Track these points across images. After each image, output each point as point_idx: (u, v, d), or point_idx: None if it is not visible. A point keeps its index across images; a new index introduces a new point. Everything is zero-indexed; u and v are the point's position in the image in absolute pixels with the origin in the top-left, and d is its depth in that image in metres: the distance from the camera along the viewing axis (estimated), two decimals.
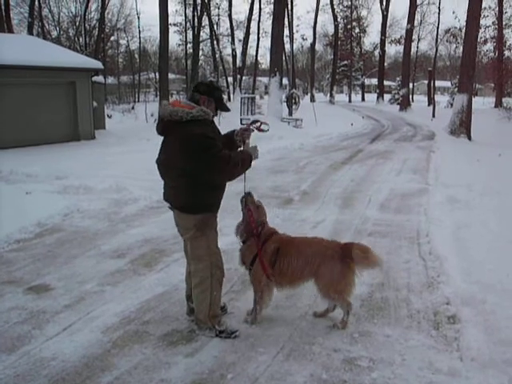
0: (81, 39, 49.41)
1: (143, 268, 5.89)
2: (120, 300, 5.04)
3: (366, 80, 71.54)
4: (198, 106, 4.16)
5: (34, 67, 16.98)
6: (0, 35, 24.02)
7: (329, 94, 59.75)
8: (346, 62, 65.25)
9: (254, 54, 55.63)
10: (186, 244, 4.51)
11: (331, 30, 62.56)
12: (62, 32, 50.26)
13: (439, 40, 51.05)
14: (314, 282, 4.51)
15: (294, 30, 37.59)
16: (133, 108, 34.68)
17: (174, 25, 50.56)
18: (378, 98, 57.28)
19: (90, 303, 4.97)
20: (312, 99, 50.79)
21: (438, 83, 69.85)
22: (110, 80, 54.14)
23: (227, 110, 4.60)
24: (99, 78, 23.62)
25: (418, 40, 58.38)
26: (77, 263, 6.05)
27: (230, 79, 51.99)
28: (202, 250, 4.31)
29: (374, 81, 69.46)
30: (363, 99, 68.38)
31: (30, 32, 38.50)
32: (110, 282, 5.51)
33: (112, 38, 56.55)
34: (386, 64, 62.18)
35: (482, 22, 31.50)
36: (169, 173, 4.28)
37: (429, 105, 45.93)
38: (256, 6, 47.84)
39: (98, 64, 20.98)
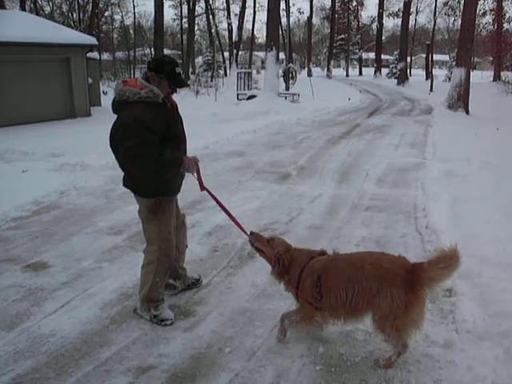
0: (74, 15, 48.87)
1: (140, 244, 5.83)
2: (117, 276, 5.07)
3: (363, 54, 70.94)
4: (150, 85, 3.90)
5: (27, 44, 16.77)
6: None
7: (326, 69, 59.37)
8: (343, 35, 64.61)
9: (251, 28, 55.21)
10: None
11: (328, 3, 61.93)
12: (55, 7, 49.63)
13: (437, 13, 50.56)
14: (371, 314, 3.60)
15: (291, 4, 37.17)
16: None
17: None
18: (375, 72, 56.90)
19: (88, 280, 4.99)
20: (309, 74, 50.40)
21: (436, 57, 69.31)
22: (105, 56, 53.75)
23: (184, 84, 4.09)
24: (94, 55, 23.40)
25: (416, 13, 58.02)
26: (74, 240, 6.06)
27: (227, 54, 51.57)
28: (152, 234, 4.18)
29: (372, 55, 68.95)
30: (361, 73, 67.93)
31: (23, 8, 38.00)
32: (107, 258, 5.52)
33: (106, 14, 55.93)
34: (383, 38, 61.60)
35: None
36: (117, 155, 4.03)
37: (427, 79, 45.70)
38: None
39: (92, 40, 20.75)
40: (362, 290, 3.47)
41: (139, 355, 3.78)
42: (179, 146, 4.10)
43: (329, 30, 62.38)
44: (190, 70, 44.49)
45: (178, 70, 3.96)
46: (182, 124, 4.27)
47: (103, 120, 17.97)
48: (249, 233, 4.10)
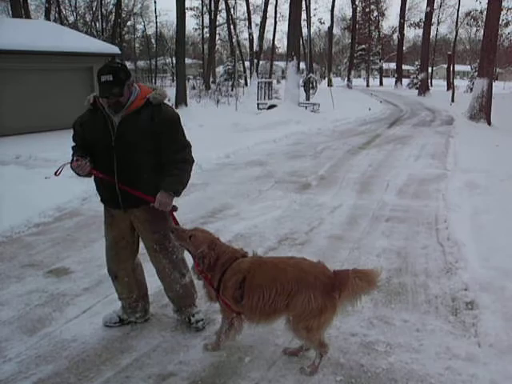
0: (97, 24, 49.55)
1: None
2: None
3: (384, 64, 70.77)
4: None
5: (52, 53, 17.06)
6: (18, 21, 24.12)
7: (346, 79, 59.32)
8: (363, 45, 64.60)
9: (271, 38, 55.49)
10: None
11: (349, 13, 62.10)
12: (78, 17, 50.43)
13: (459, 23, 50.31)
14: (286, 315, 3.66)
15: (312, 14, 37.20)
16: None
17: (191, 9, 50.47)
18: (396, 82, 56.73)
19: (109, 286, 4.95)
20: (329, 84, 50.38)
21: (458, 67, 68.86)
22: (127, 65, 54.19)
23: (101, 95, 3.75)
24: None
25: (438, 23, 57.80)
26: (95, 247, 6.11)
27: (247, 64, 51.77)
28: None
29: (393, 65, 68.68)
30: (381, 84, 67.75)
31: (48, 17, 38.69)
32: None
33: (129, 23, 56.61)
34: (404, 48, 61.49)
35: (504, 3, 30.87)
36: None
37: (448, 89, 45.41)
38: None
39: (114, 49, 21.01)
40: (283, 291, 3.56)
41: (159, 362, 3.80)
42: (95, 153, 3.99)
43: (349, 40, 62.38)
44: (211, 79, 44.74)
45: (104, 79, 3.66)
46: (124, 131, 3.85)
47: None
48: (171, 229, 3.96)
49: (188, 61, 49.45)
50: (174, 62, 38.30)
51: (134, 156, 3.86)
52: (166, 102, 4.02)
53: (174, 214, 4.01)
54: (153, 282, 4.96)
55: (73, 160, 3.95)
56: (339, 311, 3.62)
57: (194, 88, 35.98)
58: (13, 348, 3.98)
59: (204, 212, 7.62)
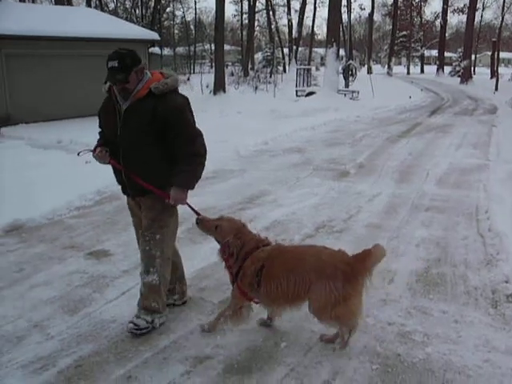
0: (137, 11, 49.89)
1: (199, 237, 5.96)
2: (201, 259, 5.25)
3: (425, 51, 69.40)
4: None
5: (93, 39, 17.28)
6: (60, 8, 24.55)
7: (386, 66, 58.38)
8: (405, 32, 63.37)
9: (311, 24, 54.93)
10: None
11: None
12: (118, 4, 50.87)
13: (506, 8, 48.84)
14: (308, 305, 3.69)
15: (352, 0, 36.73)
16: (188, 79, 34.90)
17: None
18: (437, 70, 55.59)
19: None
20: (369, 71, 49.71)
21: (503, 55, 67.08)
22: (166, 51, 54.62)
23: (106, 79, 3.81)
24: (156, 50, 23.87)
25: (483, 9, 56.30)
26: (133, 231, 6.19)
27: (286, 50, 51.51)
28: None
29: (434, 52, 67.31)
30: (422, 71, 66.52)
31: (89, 4, 39.17)
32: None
33: (168, 9, 56.93)
34: (447, 34, 60.12)
35: None
36: None
37: (492, 77, 44.24)
38: None
39: (154, 35, 21.16)
40: (302, 281, 3.58)
41: (196, 345, 3.84)
42: (109, 140, 3.97)
43: (390, 27, 61.34)
44: (250, 65, 44.67)
45: (110, 64, 3.70)
46: (127, 120, 3.82)
47: None
48: (195, 220, 3.99)
49: (227, 47, 49.45)
50: (213, 48, 38.34)
51: (137, 146, 3.83)
52: (174, 90, 3.85)
53: (191, 204, 4.03)
54: (190, 266, 5.05)
55: (95, 148, 3.98)
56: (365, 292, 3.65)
57: (232, 74, 35.96)
58: (55, 326, 4.08)
59: (241, 198, 7.65)
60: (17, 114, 15.63)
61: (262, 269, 3.70)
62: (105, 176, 8.39)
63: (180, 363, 3.62)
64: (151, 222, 3.98)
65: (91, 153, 4.01)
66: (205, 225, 3.92)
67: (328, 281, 3.52)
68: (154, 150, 3.85)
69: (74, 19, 18.41)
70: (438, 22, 59.07)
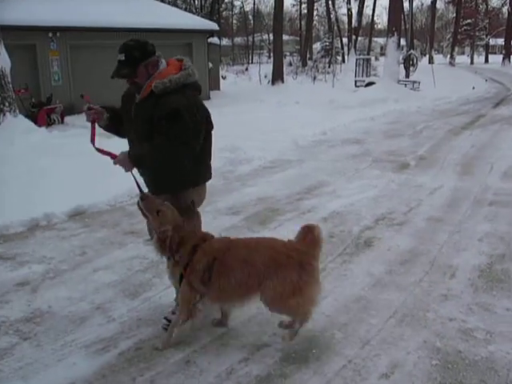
0: (196, 1, 50.30)
1: (257, 225, 6.03)
2: None
3: (490, 40, 66.92)
4: None
5: (152, 29, 17.56)
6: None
7: (449, 56, 56.68)
8: (469, 20, 61.20)
9: (370, 13, 54.00)
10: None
11: None
12: None
13: None
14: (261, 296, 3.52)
15: None
16: (246, 69, 35.04)
17: None
18: (503, 59, 53.47)
19: None
20: (430, 61, 48.43)
21: None
22: (225, 41, 54.92)
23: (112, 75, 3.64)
24: (215, 40, 24.01)
25: None
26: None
27: (345, 40, 50.83)
28: None
29: (500, 41, 64.78)
30: (487, 61, 64.21)
31: None
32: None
33: (226, 0, 57.09)
34: None
35: None
36: None
37: None
38: None
39: (213, 25, 21.32)
40: (256, 272, 3.45)
41: (254, 333, 3.87)
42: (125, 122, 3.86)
43: (454, 15, 59.42)
44: (308, 55, 44.36)
45: (118, 58, 3.56)
46: (137, 115, 3.69)
47: (222, 104, 18.56)
48: (140, 196, 3.71)
49: (285, 37, 49.26)
50: (271, 38, 38.27)
51: (143, 141, 3.62)
52: (178, 89, 3.55)
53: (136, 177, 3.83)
54: None
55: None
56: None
57: (290, 64, 35.88)
58: (116, 309, 4.20)
59: (300, 188, 7.63)
60: (80, 104, 16.09)
61: (214, 261, 3.51)
62: None
63: (238, 350, 3.66)
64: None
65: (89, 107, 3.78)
66: (149, 204, 3.62)
67: (283, 271, 3.41)
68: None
69: (136, 10, 18.75)
70: (505, 9, 56.78)
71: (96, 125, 3.85)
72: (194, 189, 3.83)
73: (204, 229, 5.23)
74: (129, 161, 3.52)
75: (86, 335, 3.82)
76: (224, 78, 27.03)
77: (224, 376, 3.36)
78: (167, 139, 3.47)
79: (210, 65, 21.31)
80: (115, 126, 3.92)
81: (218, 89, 22.78)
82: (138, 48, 3.57)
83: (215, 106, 17.97)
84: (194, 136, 3.55)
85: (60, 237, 5.83)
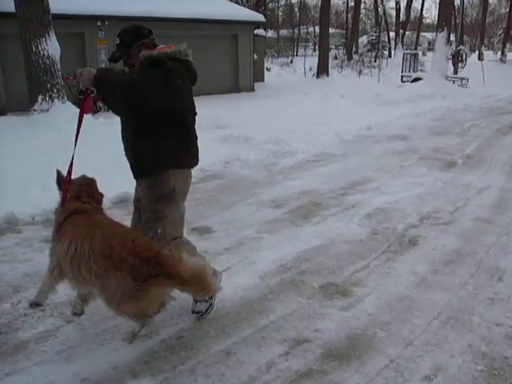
0: None
1: (300, 219, 5.99)
2: (277, 248, 5.18)
3: None
4: None
5: (198, 20, 17.63)
6: None
7: (499, 52, 55.13)
8: None
9: (419, 7, 52.82)
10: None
11: None
12: None
13: None
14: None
15: None
16: (291, 62, 34.89)
17: None
18: None
19: (249, 248, 5.17)
20: (480, 57, 47.17)
21: None
22: (270, 33, 54.74)
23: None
24: (260, 31, 23.95)
25: None
26: (237, 209, 6.32)
27: (392, 34, 50.01)
28: None
29: None
30: None
31: None
32: (267, 229, 5.67)
33: None
34: None
35: None
36: None
37: None
38: None
39: (260, 17, 21.24)
40: (84, 260, 3.11)
41: (295, 327, 3.84)
42: None
43: (507, 10, 57.67)
44: (354, 49, 43.84)
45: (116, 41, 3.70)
46: None
47: (266, 95, 18.55)
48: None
49: (331, 30, 48.70)
50: (317, 31, 37.95)
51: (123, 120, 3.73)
52: (152, 62, 3.44)
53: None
54: (291, 248, 5.07)
55: None
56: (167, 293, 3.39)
57: (335, 58, 35.55)
58: None
59: (344, 183, 7.54)
60: None
61: (64, 220, 3.29)
62: (208, 155, 8.64)
63: (279, 344, 3.64)
64: (149, 216, 3.69)
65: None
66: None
67: (114, 272, 3.06)
68: (131, 124, 3.67)
69: (182, 0, 18.84)
70: None
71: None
72: (174, 173, 3.64)
73: (246, 221, 5.27)
74: (91, 74, 3.23)
75: (129, 321, 3.85)
76: (268, 69, 26.99)
77: (264, 369, 3.35)
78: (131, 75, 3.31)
79: (255, 56, 21.28)
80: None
81: (263, 80, 22.74)
82: (130, 31, 3.69)
83: (259, 98, 18.07)
84: (148, 80, 3.27)
85: None
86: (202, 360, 3.42)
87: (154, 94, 3.29)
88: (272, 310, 4.06)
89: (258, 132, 10.37)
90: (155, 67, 3.37)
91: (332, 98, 16.75)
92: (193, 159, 3.83)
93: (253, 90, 20.16)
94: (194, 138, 3.79)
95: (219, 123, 11.63)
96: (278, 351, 3.55)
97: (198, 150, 3.87)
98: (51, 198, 6.23)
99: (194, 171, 7.67)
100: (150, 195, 3.68)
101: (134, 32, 3.68)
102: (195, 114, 3.77)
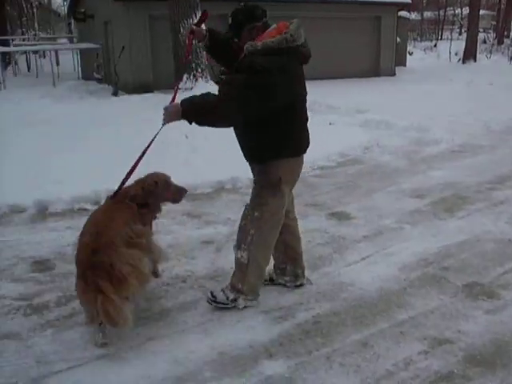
0: None
1: (443, 212, 5.68)
2: (418, 240, 4.96)
3: None
4: None
5: (340, 1, 17.35)
6: None
7: None
8: None
9: None
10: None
11: None
12: None
13: None
14: None
15: None
16: (435, 46, 33.37)
17: None
18: None
19: (388, 238, 5.00)
20: None
21: None
22: (413, 15, 52.64)
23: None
24: (404, 13, 23.10)
25: None
26: (376, 197, 6.16)
27: None
28: None
29: None
30: None
31: None
32: (408, 220, 5.45)
33: None
34: None
35: None
36: None
37: None
38: None
39: None
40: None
41: (436, 326, 3.64)
42: None
43: None
44: (505, 33, 40.82)
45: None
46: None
47: (407, 80, 17.91)
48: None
49: (481, 12, 45.84)
50: (464, 12, 35.82)
51: None
52: (259, 52, 3.31)
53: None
54: (433, 242, 4.84)
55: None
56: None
57: (484, 42, 33.38)
58: None
59: (491, 177, 7.04)
60: None
61: None
62: (348, 139, 8.54)
63: (418, 341, 3.47)
64: (253, 196, 3.74)
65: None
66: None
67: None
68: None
69: None
70: None
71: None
72: (281, 162, 3.57)
73: (386, 209, 5.08)
74: (178, 108, 3.27)
75: (266, 301, 3.89)
76: (411, 53, 25.99)
77: (402, 366, 3.21)
78: (220, 92, 3.30)
79: (398, 39, 20.55)
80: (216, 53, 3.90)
81: (404, 65, 21.96)
82: (243, 12, 3.55)
83: (400, 82, 17.46)
84: (244, 96, 3.24)
85: (243, 201, 5.99)
86: (337, 348, 3.36)
87: (250, 108, 3.29)
88: (411, 305, 3.88)
89: (399, 118, 10.05)
90: (252, 77, 3.24)
91: (479, 86, 15.78)
92: (301, 146, 3.73)
93: (394, 74, 19.53)
94: (302, 123, 3.69)
95: (359, 107, 11.45)
96: (416, 348, 3.39)
97: (307, 134, 3.77)
98: (193, 174, 6.55)
99: (334, 155, 7.67)
100: (258, 181, 3.73)
101: (247, 14, 3.55)
102: (305, 96, 3.63)
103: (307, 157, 7.23)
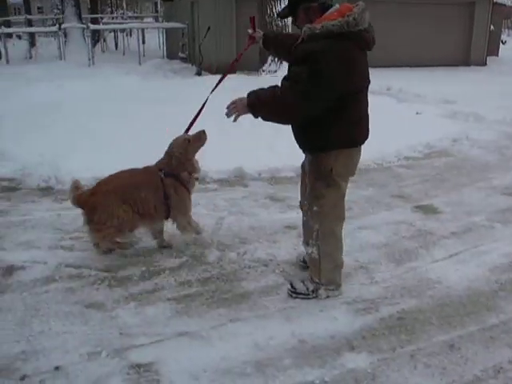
0: None
1: None
2: (510, 240, 4.70)
3: None
4: None
5: None
6: None
7: None
8: None
9: None
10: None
11: None
12: None
13: None
14: None
15: None
16: None
17: None
18: None
19: (478, 237, 4.76)
20: None
21: None
22: (510, 1, 50.05)
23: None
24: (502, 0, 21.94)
25: None
26: (465, 192, 5.90)
27: None
28: None
29: None
30: None
31: None
32: (500, 219, 5.17)
33: None
34: None
35: None
36: None
37: None
38: None
39: None
40: None
41: None
42: None
43: None
44: None
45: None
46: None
47: (500, 71, 17.07)
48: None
49: None
50: None
51: None
52: (322, 35, 3.11)
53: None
54: None
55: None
56: None
57: None
58: (379, 272, 4.10)
59: None
60: None
61: None
62: (435, 130, 8.23)
63: (509, 348, 3.28)
64: (309, 190, 3.59)
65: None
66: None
67: None
68: None
69: None
70: None
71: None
72: (334, 153, 3.38)
73: (475, 206, 4.80)
74: (243, 101, 3.23)
75: (349, 292, 3.80)
76: (504, 43, 24.70)
77: (491, 373, 3.04)
78: (289, 83, 3.16)
79: (492, 27, 19.55)
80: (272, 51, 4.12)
81: (496, 55, 20.91)
82: None
83: (491, 73, 16.66)
84: (317, 86, 3.07)
85: None
86: (422, 347, 3.23)
87: (315, 100, 3.14)
88: (502, 309, 3.68)
89: (489, 111, 9.63)
90: (311, 68, 3.07)
91: None
92: (356, 137, 3.49)
93: (484, 64, 18.66)
94: (359, 114, 3.45)
95: (447, 98, 11.05)
96: (507, 355, 3.21)
97: (366, 125, 3.53)
98: (276, 157, 6.51)
99: (420, 146, 7.42)
100: (311, 171, 3.58)
101: None
102: (366, 87, 3.43)
103: (392, 146, 7.11)
